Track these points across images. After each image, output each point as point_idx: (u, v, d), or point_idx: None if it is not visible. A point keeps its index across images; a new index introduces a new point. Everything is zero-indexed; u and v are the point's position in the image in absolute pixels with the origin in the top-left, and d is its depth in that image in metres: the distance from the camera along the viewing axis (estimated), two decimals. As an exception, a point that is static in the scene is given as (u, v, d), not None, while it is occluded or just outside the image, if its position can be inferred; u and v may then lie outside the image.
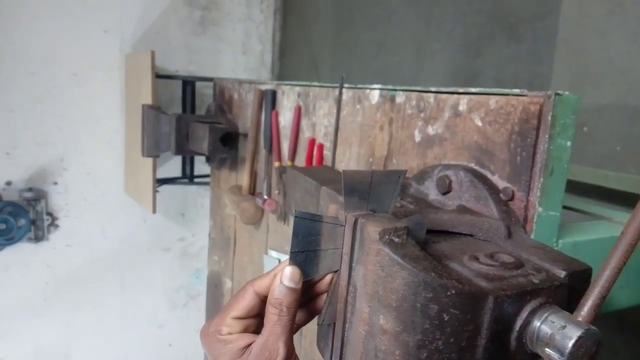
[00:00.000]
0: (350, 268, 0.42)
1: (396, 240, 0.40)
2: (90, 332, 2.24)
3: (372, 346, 0.41)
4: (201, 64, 2.30)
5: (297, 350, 0.94)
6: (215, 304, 1.46)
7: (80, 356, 2.25)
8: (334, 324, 0.44)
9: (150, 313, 2.33)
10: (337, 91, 0.81)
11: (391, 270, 0.39)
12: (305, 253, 0.43)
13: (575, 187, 1.06)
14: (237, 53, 2.39)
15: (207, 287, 1.44)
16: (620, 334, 1.15)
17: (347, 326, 0.43)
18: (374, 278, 0.40)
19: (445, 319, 0.39)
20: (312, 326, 0.88)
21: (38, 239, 2.10)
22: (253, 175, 1.11)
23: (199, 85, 2.05)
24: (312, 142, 0.88)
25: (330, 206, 0.46)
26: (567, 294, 0.42)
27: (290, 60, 2.48)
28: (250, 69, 2.42)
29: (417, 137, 0.65)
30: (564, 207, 0.74)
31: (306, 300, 0.47)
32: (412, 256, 0.39)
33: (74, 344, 2.23)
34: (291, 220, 0.98)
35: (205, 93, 2.18)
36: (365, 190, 0.44)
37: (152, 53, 1.65)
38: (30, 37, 1.99)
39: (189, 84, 2.00)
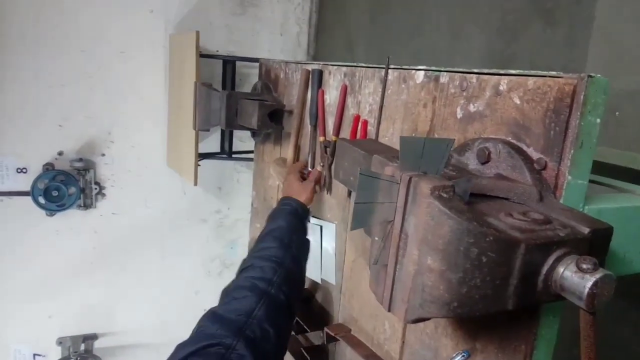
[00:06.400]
0: (404, 218, 0.51)
1: (444, 195, 0.48)
2: (131, 294, 2.39)
3: (420, 282, 0.49)
4: (240, 44, 2.37)
5: (336, 306, 1.04)
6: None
7: (122, 316, 2.40)
8: (386, 265, 0.53)
9: (188, 280, 2.47)
10: (382, 72, 0.88)
11: (440, 220, 0.47)
12: (366, 204, 0.51)
13: (605, 169, 1.11)
14: (274, 34, 2.46)
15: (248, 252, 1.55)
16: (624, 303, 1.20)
17: (398, 267, 0.51)
18: (424, 226, 0.48)
19: (484, 261, 0.47)
20: (350, 285, 0.97)
21: (87, 206, 2.24)
22: (297, 148, 1.20)
23: (237, 64, 2.13)
24: (357, 118, 0.96)
25: (386, 168, 0.55)
26: (588, 247, 0.50)
27: (325, 42, 2.53)
28: (286, 50, 2.48)
29: (459, 114, 0.72)
30: (593, 182, 0.80)
31: None
32: (458, 208, 0.47)
33: (116, 305, 2.39)
34: (334, 189, 1.07)
35: (243, 72, 2.26)
36: (418, 154, 0.52)
37: (197, 33, 1.74)
38: (81, 16, 2.10)
39: (229, 64, 2.07)
